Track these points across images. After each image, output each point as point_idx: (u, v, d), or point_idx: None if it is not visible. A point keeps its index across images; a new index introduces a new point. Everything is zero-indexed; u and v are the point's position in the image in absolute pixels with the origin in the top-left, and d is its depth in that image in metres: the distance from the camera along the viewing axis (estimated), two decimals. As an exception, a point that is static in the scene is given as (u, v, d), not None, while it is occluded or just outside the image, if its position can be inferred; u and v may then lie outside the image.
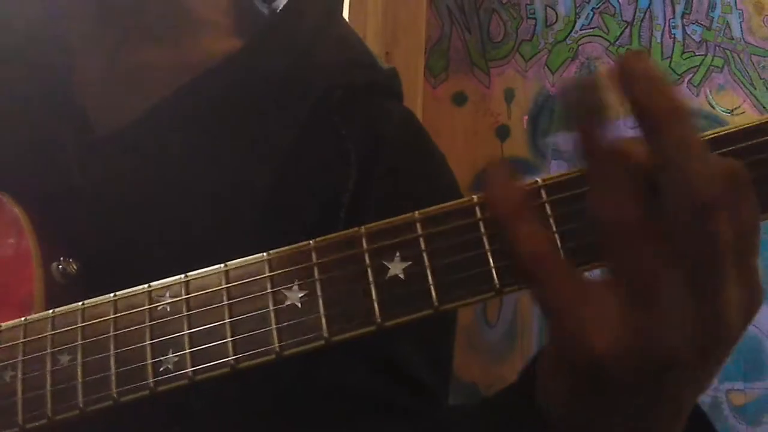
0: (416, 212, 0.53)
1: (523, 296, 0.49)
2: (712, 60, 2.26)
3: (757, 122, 0.48)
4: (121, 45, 0.81)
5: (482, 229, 0.50)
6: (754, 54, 2.23)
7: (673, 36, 2.29)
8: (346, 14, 2.08)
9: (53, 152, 0.78)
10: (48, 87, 0.81)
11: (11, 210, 0.75)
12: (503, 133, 2.37)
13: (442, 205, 0.53)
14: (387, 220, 0.53)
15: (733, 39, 2.25)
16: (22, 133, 0.80)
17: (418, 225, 0.52)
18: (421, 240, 0.52)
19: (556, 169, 2.29)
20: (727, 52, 2.25)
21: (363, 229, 0.54)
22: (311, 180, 0.77)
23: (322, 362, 0.71)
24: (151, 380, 0.57)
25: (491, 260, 0.50)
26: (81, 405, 0.59)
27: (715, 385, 2.22)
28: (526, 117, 2.36)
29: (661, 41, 2.30)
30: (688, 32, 2.28)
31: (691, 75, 2.26)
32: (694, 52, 2.27)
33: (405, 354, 0.74)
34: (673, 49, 2.29)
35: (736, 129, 0.48)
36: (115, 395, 0.58)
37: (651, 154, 0.44)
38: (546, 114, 2.34)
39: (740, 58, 2.24)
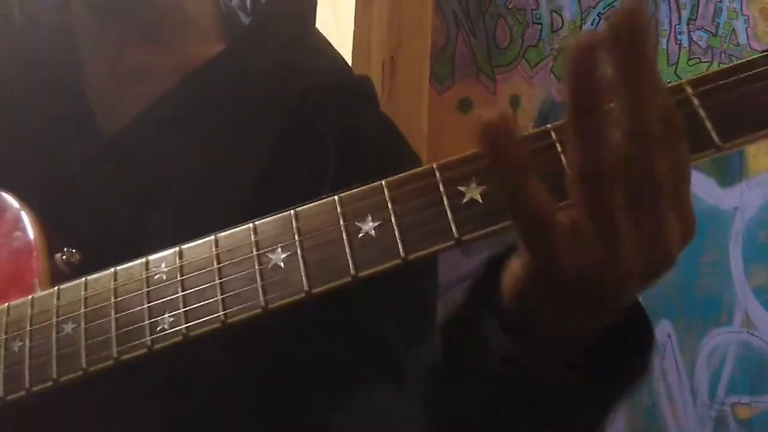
0: (383, 180, 0.60)
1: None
2: (719, 66, 2.26)
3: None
4: (121, 45, 0.88)
5: (441, 189, 0.58)
6: None
7: (679, 42, 2.30)
8: (351, 20, 2.09)
9: (58, 151, 0.85)
10: (57, 85, 0.88)
11: (16, 205, 0.81)
12: None
13: (406, 173, 0.60)
14: (359, 188, 0.61)
15: (739, 45, 2.28)
16: (29, 131, 0.86)
17: (385, 189, 0.59)
18: (389, 201, 0.59)
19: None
20: (733, 58, 2.17)
21: (337, 196, 0.61)
22: (295, 175, 0.84)
23: (300, 339, 0.78)
24: (149, 338, 0.63)
25: (450, 213, 0.57)
26: (84, 366, 0.65)
27: (720, 398, 2.22)
28: (532, 124, 2.32)
29: (667, 47, 2.31)
30: (694, 38, 2.30)
31: None
32: (700, 59, 2.29)
33: (383, 328, 0.81)
34: (678, 56, 2.30)
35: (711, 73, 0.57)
36: (115, 354, 0.64)
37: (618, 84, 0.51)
38: (552, 121, 2.34)
39: None
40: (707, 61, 2.30)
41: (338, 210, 0.60)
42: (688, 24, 2.31)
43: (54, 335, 0.67)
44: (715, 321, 2.25)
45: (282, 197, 0.81)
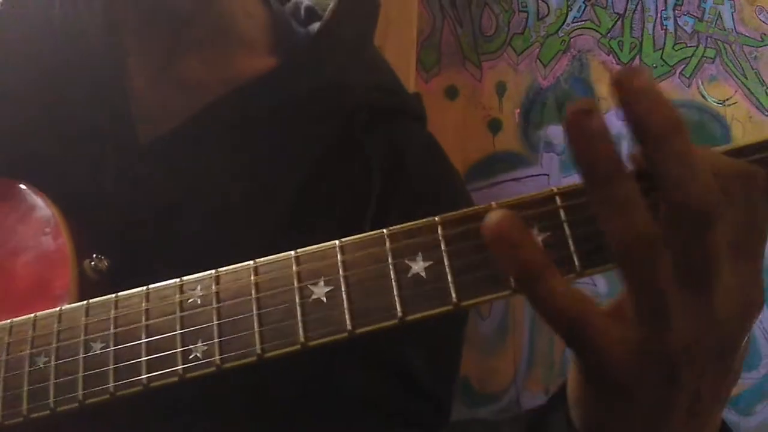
0: (437, 216, 0.56)
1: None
2: (704, 51, 2.25)
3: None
4: (171, 56, 0.85)
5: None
6: (746, 44, 2.23)
7: (664, 27, 2.29)
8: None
9: (93, 156, 0.82)
10: (99, 91, 0.85)
11: (48, 209, 0.78)
12: (495, 126, 2.38)
13: (462, 210, 0.56)
14: (410, 223, 0.57)
15: (725, 30, 2.25)
16: (68, 134, 0.83)
17: (439, 227, 0.55)
18: (442, 241, 0.55)
19: (547, 162, 2.31)
20: (719, 42, 2.24)
21: (386, 230, 0.57)
22: (337, 193, 0.80)
23: (332, 371, 0.75)
24: (181, 367, 0.60)
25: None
26: (111, 390, 0.62)
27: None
28: (518, 110, 2.37)
29: (653, 33, 2.30)
30: (680, 23, 2.28)
31: (683, 66, 2.27)
32: (686, 44, 2.27)
33: (414, 364, 0.78)
34: (665, 41, 2.29)
35: (751, 143, 0.51)
36: (145, 381, 0.61)
37: (651, 169, 0.45)
38: (538, 107, 2.34)
39: (732, 49, 2.23)
40: (693, 46, 2.27)
41: (387, 245, 0.56)
42: (674, 9, 2.29)
43: (81, 354, 0.64)
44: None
45: (321, 216, 0.78)
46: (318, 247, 0.59)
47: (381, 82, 0.90)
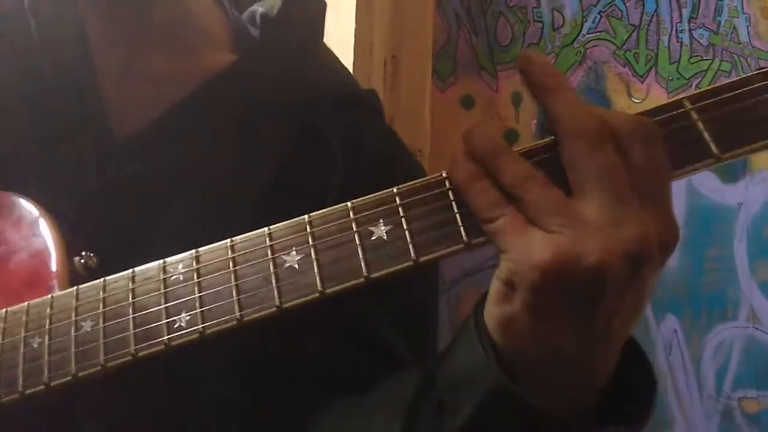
0: (394, 187, 0.62)
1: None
2: (720, 65, 2.30)
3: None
4: (133, 52, 0.90)
5: (451, 196, 0.60)
6: (761, 58, 2.27)
7: (680, 40, 2.33)
8: (352, 19, 2.10)
9: (73, 155, 0.87)
10: (72, 89, 0.90)
11: (36, 212, 0.83)
12: (511, 137, 2.39)
13: (416, 181, 0.62)
14: (371, 195, 0.63)
15: (740, 43, 2.29)
16: (46, 135, 0.88)
17: (397, 197, 0.62)
18: (400, 207, 0.61)
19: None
20: (735, 56, 2.28)
21: (350, 203, 0.63)
22: (303, 182, 0.86)
23: (304, 345, 0.81)
24: (166, 337, 0.65)
25: (459, 219, 0.59)
26: (102, 362, 0.67)
27: (727, 392, 2.24)
28: (534, 121, 2.39)
29: (669, 45, 2.33)
30: (695, 36, 2.32)
31: (699, 79, 2.30)
32: (701, 57, 2.31)
33: (385, 333, 0.83)
34: (680, 53, 2.33)
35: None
36: (133, 351, 0.66)
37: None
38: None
39: (748, 63, 2.28)
40: (709, 59, 2.31)
41: (351, 215, 0.62)
42: (689, 22, 2.33)
43: (73, 332, 0.69)
44: (720, 316, 2.27)
45: (291, 200, 0.84)
46: (289, 222, 0.65)
47: (337, 77, 0.97)
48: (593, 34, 2.39)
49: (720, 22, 2.31)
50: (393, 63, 2.24)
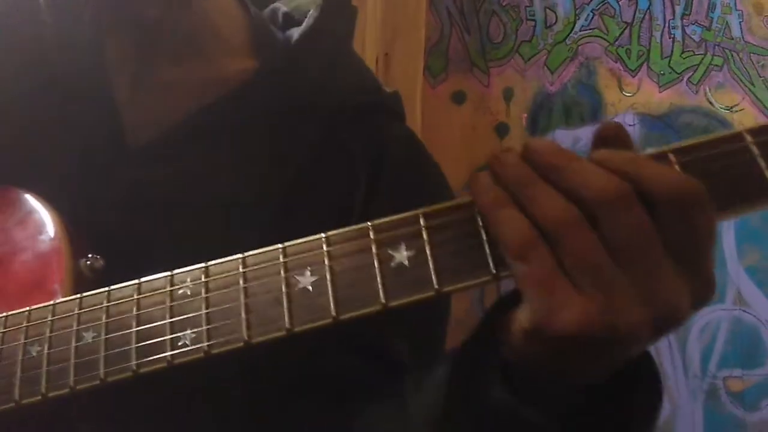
0: (420, 209, 0.58)
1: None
2: (712, 59, 2.31)
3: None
4: (151, 60, 0.87)
5: (479, 222, 0.56)
6: (753, 53, 2.28)
7: (672, 36, 2.34)
8: None
9: (86, 159, 0.84)
10: (86, 95, 0.87)
11: (43, 212, 0.80)
12: (502, 130, 2.42)
13: (443, 203, 0.58)
14: (393, 216, 0.59)
15: (732, 39, 2.30)
16: (58, 138, 0.85)
17: (421, 219, 0.57)
18: (424, 231, 0.57)
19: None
20: (727, 51, 2.29)
21: (370, 223, 0.59)
22: (323, 191, 0.83)
23: (317, 357, 0.77)
24: (169, 353, 0.62)
25: (487, 248, 0.55)
26: (102, 376, 0.63)
27: (712, 372, 2.27)
28: (525, 115, 2.41)
29: (661, 41, 2.35)
30: (688, 32, 2.33)
31: (690, 73, 2.31)
32: (693, 51, 2.32)
33: (397, 348, 0.80)
34: (672, 49, 2.34)
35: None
36: (134, 367, 0.63)
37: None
38: (545, 112, 2.38)
39: (740, 57, 2.28)
40: (701, 54, 2.32)
41: (371, 236, 0.58)
42: (682, 18, 2.35)
43: (74, 342, 0.66)
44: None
45: (309, 213, 0.81)
46: (304, 240, 0.61)
47: (361, 83, 0.94)
48: (586, 32, 2.41)
49: (713, 18, 2.33)
50: (385, 61, 2.27)
